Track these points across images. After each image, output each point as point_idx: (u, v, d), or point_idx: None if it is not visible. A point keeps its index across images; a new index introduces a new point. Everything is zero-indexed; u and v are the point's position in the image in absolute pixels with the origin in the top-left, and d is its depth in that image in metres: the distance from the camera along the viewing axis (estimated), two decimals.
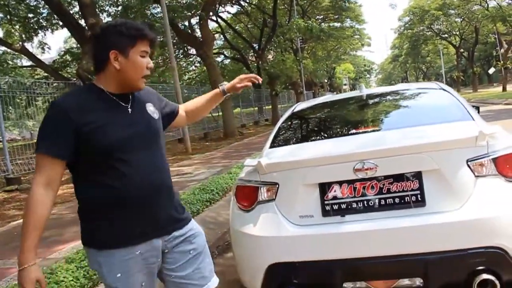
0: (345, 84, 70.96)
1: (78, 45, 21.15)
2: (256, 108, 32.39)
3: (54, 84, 13.55)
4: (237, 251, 2.90)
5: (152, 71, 2.03)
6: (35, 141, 2.16)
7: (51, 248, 4.79)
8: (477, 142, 2.44)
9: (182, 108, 2.35)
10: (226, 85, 2.37)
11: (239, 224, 2.82)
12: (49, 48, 24.35)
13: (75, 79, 14.86)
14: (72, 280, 3.42)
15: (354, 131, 3.03)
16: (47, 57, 28.17)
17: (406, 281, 2.45)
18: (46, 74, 22.10)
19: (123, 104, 1.93)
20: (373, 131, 2.96)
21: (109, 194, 1.84)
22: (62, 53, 24.75)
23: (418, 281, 2.41)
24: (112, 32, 1.87)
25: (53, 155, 1.79)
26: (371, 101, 3.64)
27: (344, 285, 2.51)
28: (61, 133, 1.79)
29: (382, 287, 2.49)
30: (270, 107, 31.44)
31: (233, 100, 22.10)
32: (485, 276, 2.31)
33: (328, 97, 4.15)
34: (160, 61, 34.55)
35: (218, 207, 6.16)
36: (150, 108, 2.04)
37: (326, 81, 62.28)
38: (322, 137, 3.32)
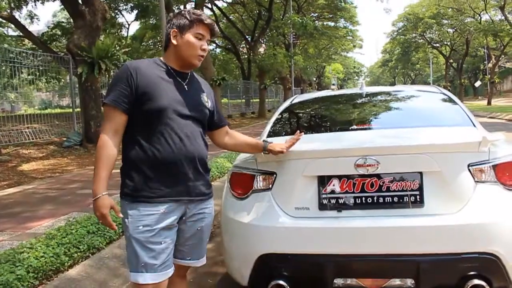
0: (333, 84, 71.06)
1: (69, 20, 20.81)
2: (244, 100, 32.28)
3: (41, 57, 13.21)
4: (227, 238, 2.84)
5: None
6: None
7: (29, 223, 4.69)
8: (479, 147, 2.42)
9: (228, 132, 2.53)
10: (270, 144, 2.55)
11: (232, 211, 2.77)
12: (38, 19, 23.82)
13: (63, 53, 14.58)
14: (53, 256, 3.32)
15: (355, 127, 2.99)
16: (34, 29, 27.59)
17: (397, 281, 2.42)
18: (33, 46, 21.58)
19: (181, 80, 2.20)
20: (376, 128, 2.93)
21: (148, 154, 2.06)
22: (52, 26, 24.26)
23: (410, 282, 2.39)
24: (178, 15, 2.20)
25: (115, 105, 2.05)
26: (372, 99, 3.61)
27: (335, 281, 2.48)
28: (123, 88, 2.05)
29: (373, 285, 2.46)
30: (258, 100, 31.37)
31: (221, 89, 21.96)
32: (476, 281, 2.30)
33: (328, 91, 4.11)
34: (151, 44, 34.23)
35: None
36: (204, 97, 2.29)
37: (315, 79, 62.34)
38: (323, 130, 3.28)
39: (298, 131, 2.66)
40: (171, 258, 2.14)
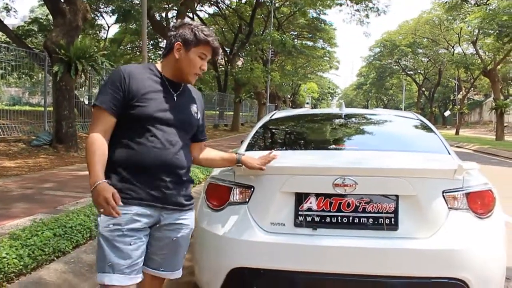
0: (307, 103, 71.76)
1: (47, 16, 20.42)
2: (218, 112, 32.24)
3: (15, 52, 12.89)
4: (199, 250, 2.80)
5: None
6: None
7: None
8: (455, 175, 2.49)
9: (203, 148, 2.54)
10: (243, 156, 2.59)
11: (206, 222, 2.74)
12: (16, 12, 23.30)
13: (39, 50, 14.28)
14: (16, 258, 3.20)
15: (335, 146, 3.03)
16: (10, 23, 26.97)
17: None
18: (7, 40, 21.05)
19: (172, 91, 2.20)
20: (355, 149, 2.97)
21: (128, 156, 2.08)
22: (29, 21, 23.76)
23: None
24: (187, 28, 2.17)
25: (105, 108, 2.06)
26: (352, 120, 3.66)
27: None
28: (115, 92, 2.07)
29: None
30: (232, 113, 31.36)
31: None
32: None
33: (307, 109, 4.15)
34: (129, 49, 33.91)
35: None
36: (194, 108, 2.30)
37: (289, 96, 62.86)
38: (303, 147, 3.30)
39: (273, 151, 2.68)
40: (140, 264, 2.10)
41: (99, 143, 2.04)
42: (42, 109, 12.76)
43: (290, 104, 62.09)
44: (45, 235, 3.66)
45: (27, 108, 20.10)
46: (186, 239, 2.32)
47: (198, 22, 2.24)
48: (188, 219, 2.29)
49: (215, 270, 2.63)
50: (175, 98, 2.20)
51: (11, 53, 12.76)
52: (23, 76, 21.49)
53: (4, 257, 3.15)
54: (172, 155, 2.14)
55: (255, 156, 2.63)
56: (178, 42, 2.15)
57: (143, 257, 2.13)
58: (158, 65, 2.24)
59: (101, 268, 2.04)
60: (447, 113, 50.27)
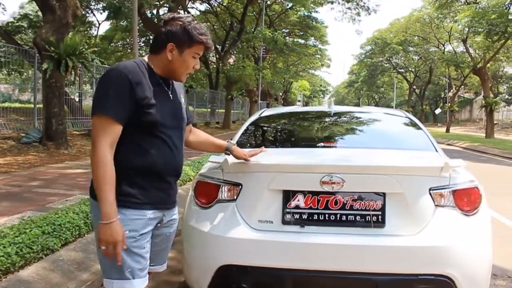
0: (299, 101, 71.80)
1: (37, 13, 20.25)
2: (209, 110, 32.19)
3: (4, 48, 12.77)
4: (188, 247, 2.80)
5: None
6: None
7: None
8: (441, 172, 2.51)
9: (192, 130, 2.52)
10: (233, 145, 2.61)
11: (195, 220, 2.74)
12: (4, 9, 23.08)
13: (28, 46, 14.15)
14: (3, 256, 3.19)
15: (323, 144, 3.03)
16: None
17: None
18: None
19: (166, 88, 2.12)
20: (343, 147, 2.98)
21: (141, 162, 2.01)
22: (19, 17, 23.55)
23: None
24: (180, 26, 2.01)
25: (113, 117, 1.90)
26: (341, 118, 3.68)
27: None
28: (120, 98, 1.91)
29: None
30: (223, 110, 31.32)
31: (187, 97, 21.80)
32: None
33: (297, 107, 4.16)
34: (119, 46, 33.72)
35: None
36: (182, 99, 2.26)
37: (281, 94, 62.88)
38: (291, 145, 3.31)
39: (263, 147, 2.70)
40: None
41: (109, 165, 1.89)
42: (32, 106, 12.66)
43: (282, 102, 62.11)
44: (33, 233, 3.64)
45: (17, 105, 19.92)
46: (175, 232, 2.34)
47: (189, 17, 2.08)
48: (176, 213, 2.32)
49: (203, 268, 2.64)
50: (170, 96, 2.13)
51: (1, 49, 12.64)
52: (13, 73, 21.31)
53: None
54: (178, 158, 2.14)
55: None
56: (171, 43, 2.01)
57: None
58: (145, 59, 2.10)
59: (117, 275, 1.98)
60: (437, 111, 50.56)
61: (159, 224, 2.17)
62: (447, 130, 36.02)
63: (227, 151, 2.59)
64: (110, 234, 1.86)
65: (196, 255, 2.71)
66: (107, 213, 1.86)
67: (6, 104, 17.83)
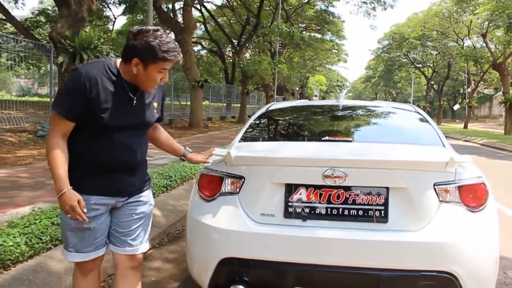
0: (315, 96, 71.57)
1: (55, 7, 20.43)
2: (225, 104, 32.25)
3: (23, 43, 12.97)
4: (191, 240, 2.81)
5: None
6: None
7: None
8: (446, 167, 2.46)
9: (157, 127, 2.63)
10: (190, 153, 2.76)
11: (198, 213, 2.75)
12: (23, 4, 23.37)
13: (46, 41, 14.33)
14: (12, 245, 3.24)
15: (327, 138, 3.00)
16: (19, 14, 27.07)
17: None
18: (15, 31, 21.15)
19: (131, 95, 2.19)
20: (347, 141, 2.95)
21: (88, 155, 2.18)
22: (37, 12, 23.83)
23: None
24: (145, 42, 2.03)
25: (64, 115, 2.08)
26: (347, 112, 3.64)
27: None
28: (76, 99, 2.06)
29: None
30: (239, 105, 31.34)
31: (203, 91, 21.87)
32: None
33: (305, 101, 4.12)
34: None
35: (175, 194, 6.05)
36: (154, 105, 2.34)
37: (297, 89, 62.69)
38: (295, 138, 3.29)
39: (213, 147, 2.83)
40: (99, 242, 2.31)
41: (60, 148, 2.09)
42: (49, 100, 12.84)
43: (298, 97, 61.91)
44: (43, 223, 3.70)
45: (36, 99, 20.21)
46: (147, 214, 2.46)
47: (157, 31, 2.08)
48: (145, 195, 2.44)
49: (205, 260, 2.64)
50: (134, 102, 2.21)
51: (20, 44, 12.83)
52: (31, 67, 21.59)
53: (1, 245, 3.20)
54: (132, 155, 2.26)
55: (247, 148, 2.63)
56: (136, 58, 2.06)
57: (103, 237, 2.34)
58: (118, 61, 2.18)
59: (66, 246, 2.31)
60: (456, 107, 49.94)
61: (118, 206, 2.33)
62: (465, 126, 35.60)
63: (183, 157, 2.75)
64: (67, 201, 2.04)
65: (198, 247, 2.72)
66: (59, 187, 2.05)
67: (24, 98, 18.12)
